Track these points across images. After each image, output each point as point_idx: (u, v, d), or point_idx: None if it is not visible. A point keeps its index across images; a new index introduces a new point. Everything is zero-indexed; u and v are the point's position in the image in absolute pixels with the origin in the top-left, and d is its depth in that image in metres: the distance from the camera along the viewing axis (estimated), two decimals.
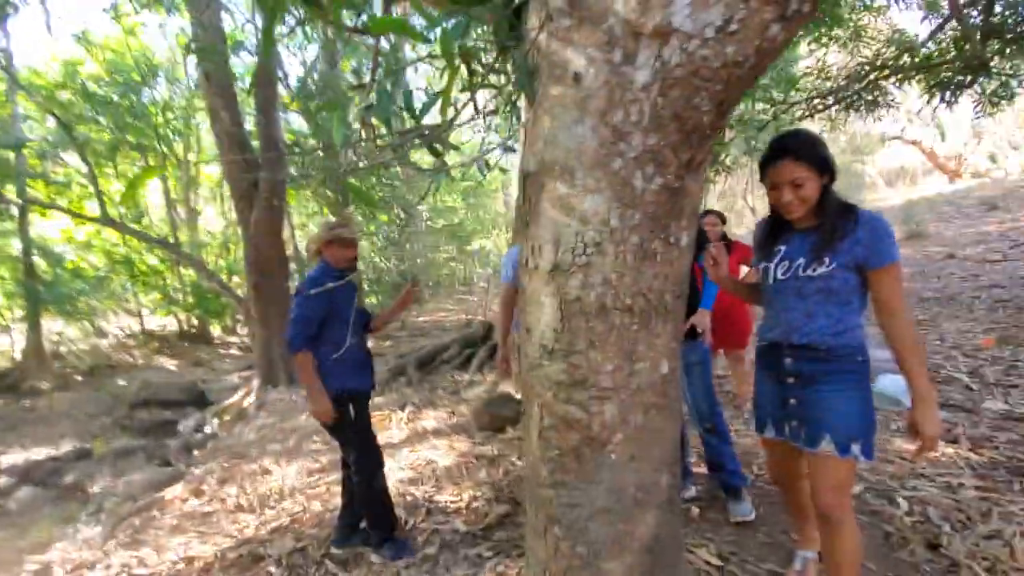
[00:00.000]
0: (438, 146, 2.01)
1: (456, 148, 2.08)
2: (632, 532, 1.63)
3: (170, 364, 13.56)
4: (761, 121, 7.11)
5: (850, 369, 1.62)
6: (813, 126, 8.27)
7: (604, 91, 1.42)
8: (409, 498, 3.24)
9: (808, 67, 7.23)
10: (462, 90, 2.12)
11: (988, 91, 5.84)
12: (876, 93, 6.47)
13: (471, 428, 4.39)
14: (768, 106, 7.10)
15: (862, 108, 6.58)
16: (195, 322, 16.00)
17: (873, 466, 2.76)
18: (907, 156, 18.54)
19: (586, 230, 1.49)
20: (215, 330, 16.58)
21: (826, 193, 1.65)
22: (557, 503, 1.64)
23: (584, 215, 1.49)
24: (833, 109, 6.99)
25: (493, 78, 2.12)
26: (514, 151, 2.44)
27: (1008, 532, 2.04)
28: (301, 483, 3.88)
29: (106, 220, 8.26)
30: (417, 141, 2.17)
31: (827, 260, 1.61)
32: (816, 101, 7.19)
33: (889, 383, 3.62)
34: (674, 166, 1.46)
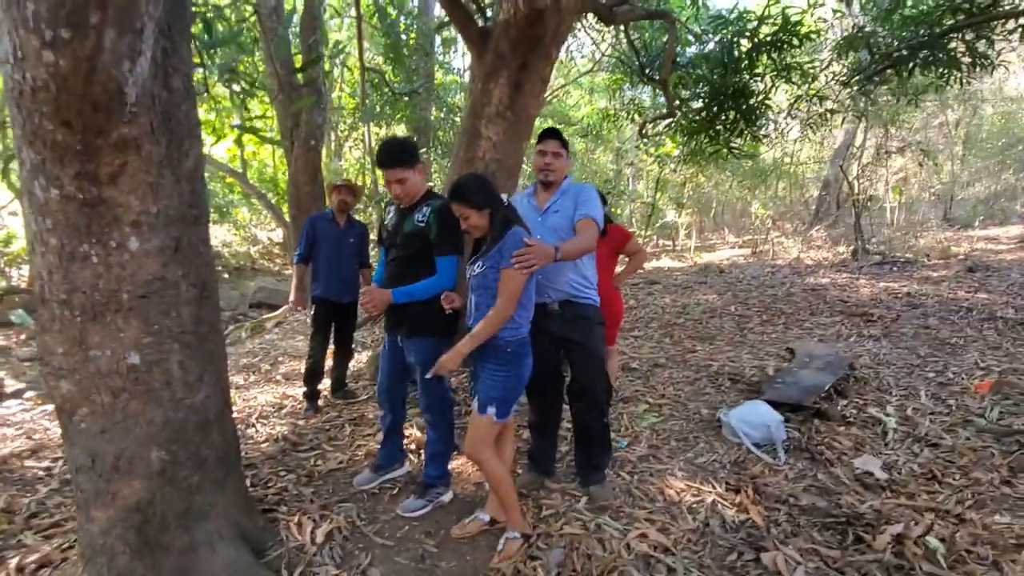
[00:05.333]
0: None
1: None
2: (116, 492, 1.87)
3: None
4: None
5: (500, 356, 2.09)
6: None
7: (9, 99, 1.54)
8: None
9: None
10: None
11: None
12: None
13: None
14: None
15: None
16: None
17: None
18: None
19: (29, 229, 1.67)
20: None
21: (492, 219, 2.07)
22: (65, 448, 1.94)
23: (26, 216, 1.67)
24: None
25: None
26: None
27: None
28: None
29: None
30: None
31: (481, 262, 2.08)
32: None
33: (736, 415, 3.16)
34: (68, 179, 1.55)
